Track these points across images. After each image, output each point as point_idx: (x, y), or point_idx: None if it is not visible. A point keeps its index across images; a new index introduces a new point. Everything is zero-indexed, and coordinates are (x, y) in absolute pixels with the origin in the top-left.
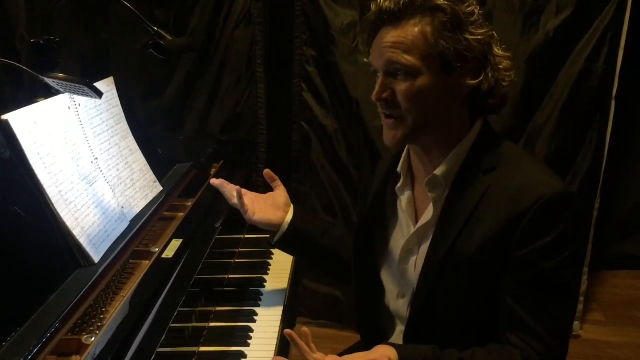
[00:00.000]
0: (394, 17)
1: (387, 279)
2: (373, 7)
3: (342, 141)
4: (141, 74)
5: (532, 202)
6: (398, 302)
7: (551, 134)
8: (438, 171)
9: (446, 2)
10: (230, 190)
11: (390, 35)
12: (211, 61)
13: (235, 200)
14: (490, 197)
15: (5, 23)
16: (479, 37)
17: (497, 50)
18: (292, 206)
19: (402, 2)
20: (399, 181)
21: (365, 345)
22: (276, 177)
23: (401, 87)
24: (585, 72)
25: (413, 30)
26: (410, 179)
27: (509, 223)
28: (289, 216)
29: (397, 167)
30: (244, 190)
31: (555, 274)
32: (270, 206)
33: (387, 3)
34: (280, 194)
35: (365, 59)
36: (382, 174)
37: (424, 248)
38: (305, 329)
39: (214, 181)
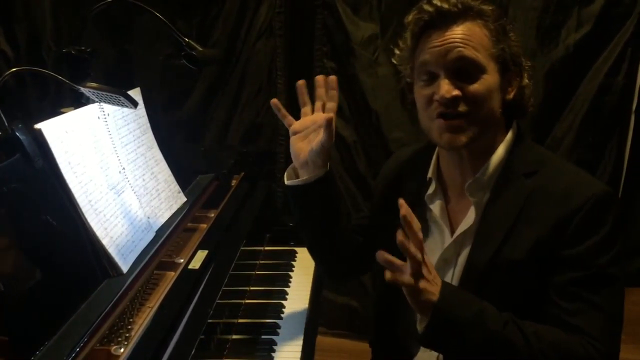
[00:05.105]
0: (448, 19)
1: None
2: (427, 7)
3: (360, 152)
4: (163, 84)
5: (583, 202)
6: None
7: (570, 147)
8: (482, 174)
9: (493, 10)
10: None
11: (456, 33)
12: (232, 72)
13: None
14: (536, 199)
15: (32, 33)
16: (518, 44)
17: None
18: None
19: (460, 5)
20: (427, 188)
21: None
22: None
23: (471, 84)
24: (605, 86)
25: (475, 29)
26: (440, 187)
27: (559, 223)
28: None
29: (417, 174)
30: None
31: (607, 270)
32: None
33: (445, 4)
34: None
35: (398, 63)
36: (398, 182)
37: (463, 257)
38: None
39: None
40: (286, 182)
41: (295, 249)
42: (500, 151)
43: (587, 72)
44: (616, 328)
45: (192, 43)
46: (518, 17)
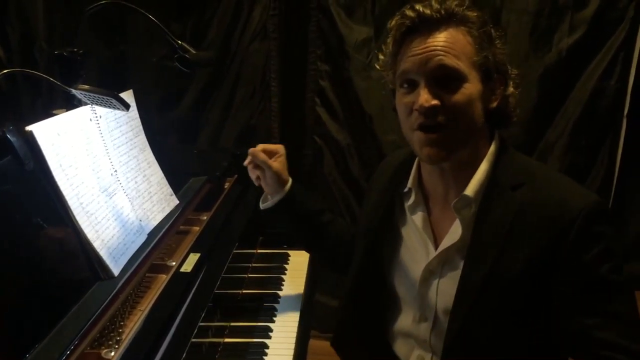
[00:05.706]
0: (431, 25)
1: (403, 301)
2: (409, 13)
3: (354, 155)
4: (157, 86)
5: (575, 215)
6: (419, 326)
7: (563, 151)
8: (469, 191)
9: (477, 16)
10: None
11: (437, 40)
12: (226, 74)
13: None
14: (526, 214)
15: (24, 34)
16: (503, 51)
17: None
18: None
19: (443, 11)
20: (408, 198)
21: None
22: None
23: (451, 93)
24: (597, 90)
25: (458, 36)
26: (422, 197)
27: (554, 238)
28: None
29: (403, 181)
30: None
31: (612, 278)
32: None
33: (427, 10)
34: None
35: (381, 69)
36: (386, 186)
37: (448, 270)
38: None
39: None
40: (260, 206)
41: (288, 251)
42: (484, 164)
43: (580, 76)
44: (637, 332)
45: (185, 46)
46: (511, 21)
